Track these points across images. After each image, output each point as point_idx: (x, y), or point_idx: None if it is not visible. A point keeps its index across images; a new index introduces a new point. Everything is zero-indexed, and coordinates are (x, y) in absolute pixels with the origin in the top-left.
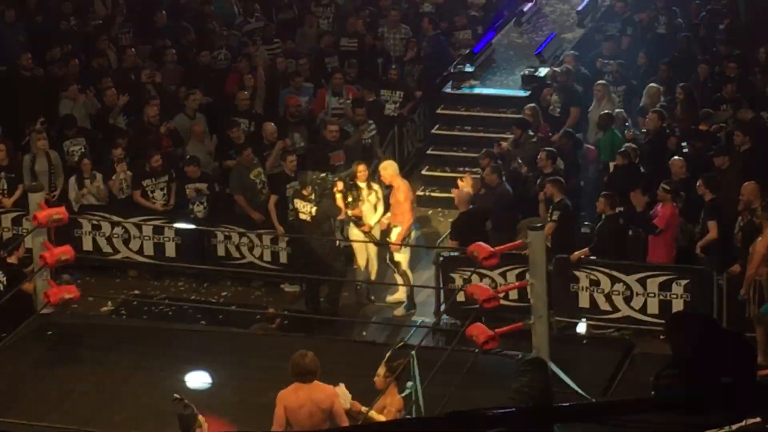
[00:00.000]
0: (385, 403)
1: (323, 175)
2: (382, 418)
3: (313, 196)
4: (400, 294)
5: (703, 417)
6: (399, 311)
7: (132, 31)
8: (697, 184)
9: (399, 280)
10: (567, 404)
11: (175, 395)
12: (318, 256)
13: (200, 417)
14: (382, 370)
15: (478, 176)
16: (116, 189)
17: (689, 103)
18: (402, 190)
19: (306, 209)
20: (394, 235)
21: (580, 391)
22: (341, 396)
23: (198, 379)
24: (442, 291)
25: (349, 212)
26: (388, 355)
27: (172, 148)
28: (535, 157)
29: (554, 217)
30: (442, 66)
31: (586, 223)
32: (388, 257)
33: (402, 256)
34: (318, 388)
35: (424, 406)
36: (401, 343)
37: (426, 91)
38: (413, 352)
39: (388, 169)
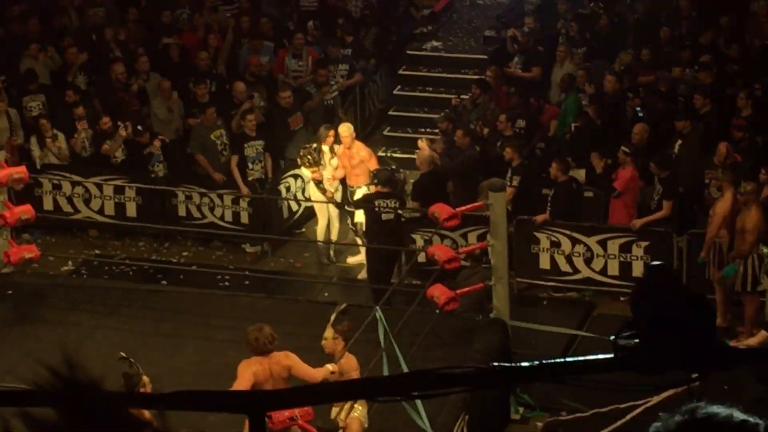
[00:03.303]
0: (341, 367)
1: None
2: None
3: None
4: (362, 256)
5: (662, 377)
6: (361, 274)
7: None
8: (650, 165)
9: (359, 241)
10: (527, 363)
11: (122, 354)
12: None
13: (144, 377)
14: (329, 333)
15: (440, 137)
16: (78, 147)
17: (651, 64)
18: (364, 148)
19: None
20: (359, 195)
21: (551, 328)
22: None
23: None
24: (402, 252)
25: (310, 174)
26: (333, 317)
27: (138, 107)
28: (494, 118)
29: (514, 183)
30: (400, 27)
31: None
32: (349, 219)
33: (362, 218)
34: (275, 358)
35: (388, 366)
36: (344, 305)
37: (380, 55)
38: (378, 309)
39: (349, 130)
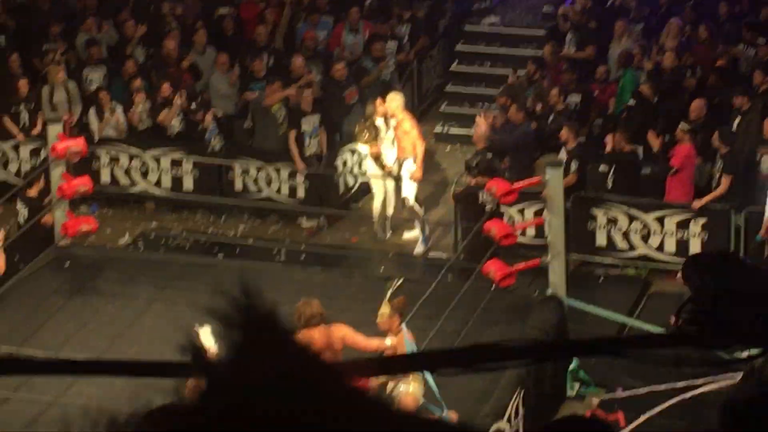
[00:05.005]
0: (397, 342)
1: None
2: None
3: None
4: (417, 231)
5: (726, 352)
6: (417, 249)
7: None
8: (713, 137)
9: (418, 213)
10: (587, 338)
11: (197, 326)
12: None
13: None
14: (385, 309)
15: (497, 112)
16: (136, 120)
17: (710, 40)
18: (407, 119)
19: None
20: (406, 168)
21: (608, 314)
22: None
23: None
24: (459, 227)
25: (368, 149)
26: (389, 293)
27: (191, 82)
28: (549, 94)
29: (573, 168)
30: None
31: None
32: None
33: (409, 192)
34: (326, 331)
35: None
36: (400, 282)
37: (435, 30)
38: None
39: (396, 101)
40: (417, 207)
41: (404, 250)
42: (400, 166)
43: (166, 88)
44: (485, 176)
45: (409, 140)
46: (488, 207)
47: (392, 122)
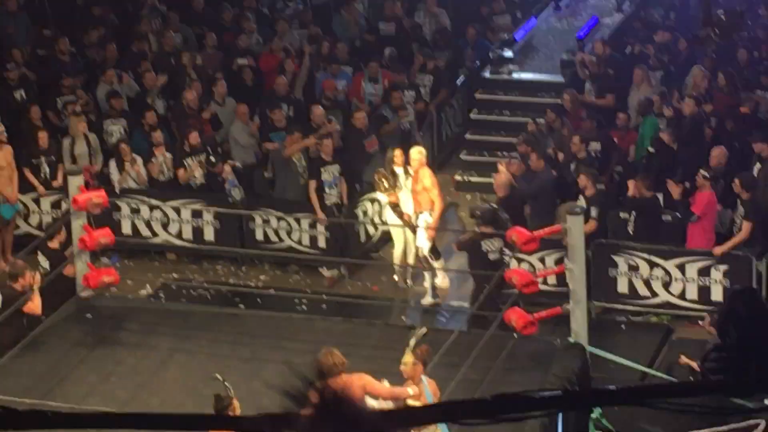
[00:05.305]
0: (418, 390)
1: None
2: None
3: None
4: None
5: (750, 399)
6: (425, 300)
7: (166, 16)
8: (734, 182)
9: (435, 265)
10: (612, 387)
11: (216, 375)
12: None
13: (235, 401)
14: (409, 357)
15: (518, 160)
16: (156, 172)
17: (730, 87)
18: (428, 175)
19: None
20: (423, 222)
21: (629, 363)
22: None
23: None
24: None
25: (386, 198)
26: (413, 342)
27: (211, 133)
28: (569, 142)
29: (593, 215)
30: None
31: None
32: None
33: (424, 243)
34: (347, 380)
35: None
36: (425, 330)
37: (454, 79)
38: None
39: (419, 154)
40: (431, 258)
41: (425, 298)
42: (416, 217)
43: (194, 136)
44: (488, 226)
45: (428, 196)
46: (491, 257)
47: (411, 171)
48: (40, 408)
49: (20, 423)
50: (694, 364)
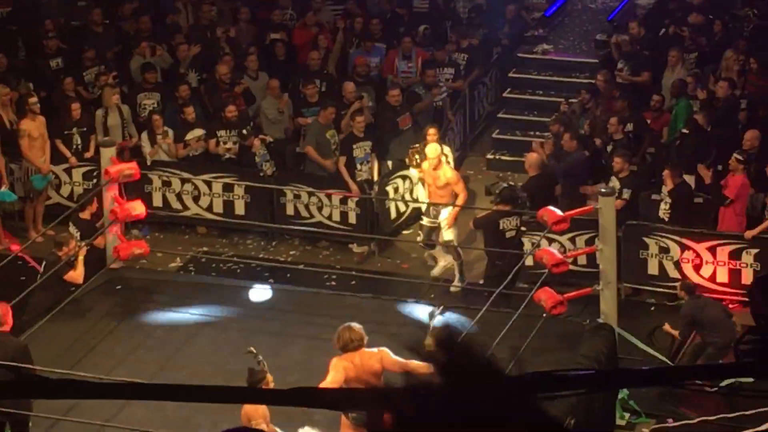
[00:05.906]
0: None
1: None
2: None
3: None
4: (443, 262)
5: None
6: (454, 287)
7: None
8: (767, 166)
9: (441, 260)
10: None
11: (251, 348)
12: None
13: (268, 375)
14: (430, 339)
15: (550, 140)
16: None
17: (762, 70)
18: (452, 171)
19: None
20: (444, 215)
21: (652, 352)
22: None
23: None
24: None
25: (418, 174)
26: (432, 324)
27: (243, 107)
28: (603, 123)
29: (624, 196)
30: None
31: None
32: (439, 237)
33: (451, 233)
34: (366, 354)
35: None
36: (440, 308)
37: (488, 57)
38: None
39: (436, 152)
40: (459, 250)
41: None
42: (438, 213)
43: (231, 109)
44: (505, 204)
45: (451, 190)
46: (508, 234)
47: (447, 150)
48: (66, 378)
49: (51, 392)
50: (675, 334)
